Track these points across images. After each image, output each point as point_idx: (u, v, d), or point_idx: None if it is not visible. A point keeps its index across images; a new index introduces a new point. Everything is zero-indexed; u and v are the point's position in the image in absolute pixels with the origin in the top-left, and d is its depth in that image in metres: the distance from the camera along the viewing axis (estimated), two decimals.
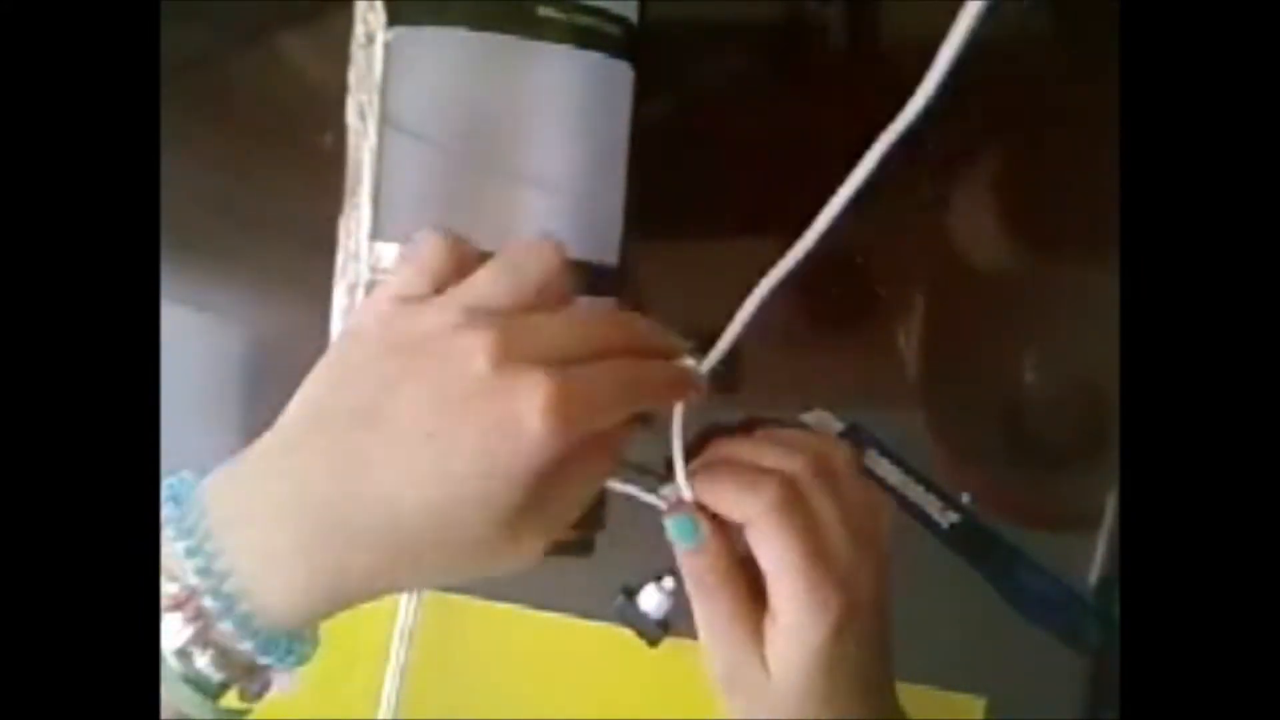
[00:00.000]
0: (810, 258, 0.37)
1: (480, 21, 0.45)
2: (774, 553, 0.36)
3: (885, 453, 0.56)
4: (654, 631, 0.57)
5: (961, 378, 0.56)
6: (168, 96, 0.33)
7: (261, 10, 0.56)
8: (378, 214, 0.48)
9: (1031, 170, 0.54)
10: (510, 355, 0.31)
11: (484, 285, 0.34)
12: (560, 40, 0.46)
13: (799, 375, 0.53)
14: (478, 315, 0.33)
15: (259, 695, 0.34)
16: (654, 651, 0.57)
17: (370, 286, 0.48)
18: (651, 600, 0.57)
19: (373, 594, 0.33)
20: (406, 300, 0.34)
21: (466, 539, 0.32)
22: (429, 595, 0.67)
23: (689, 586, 0.39)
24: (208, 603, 0.31)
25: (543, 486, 0.32)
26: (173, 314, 0.58)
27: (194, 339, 0.60)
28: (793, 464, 0.38)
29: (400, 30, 0.47)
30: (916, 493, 0.56)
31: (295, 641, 0.33)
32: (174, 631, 0.31)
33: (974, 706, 0.57)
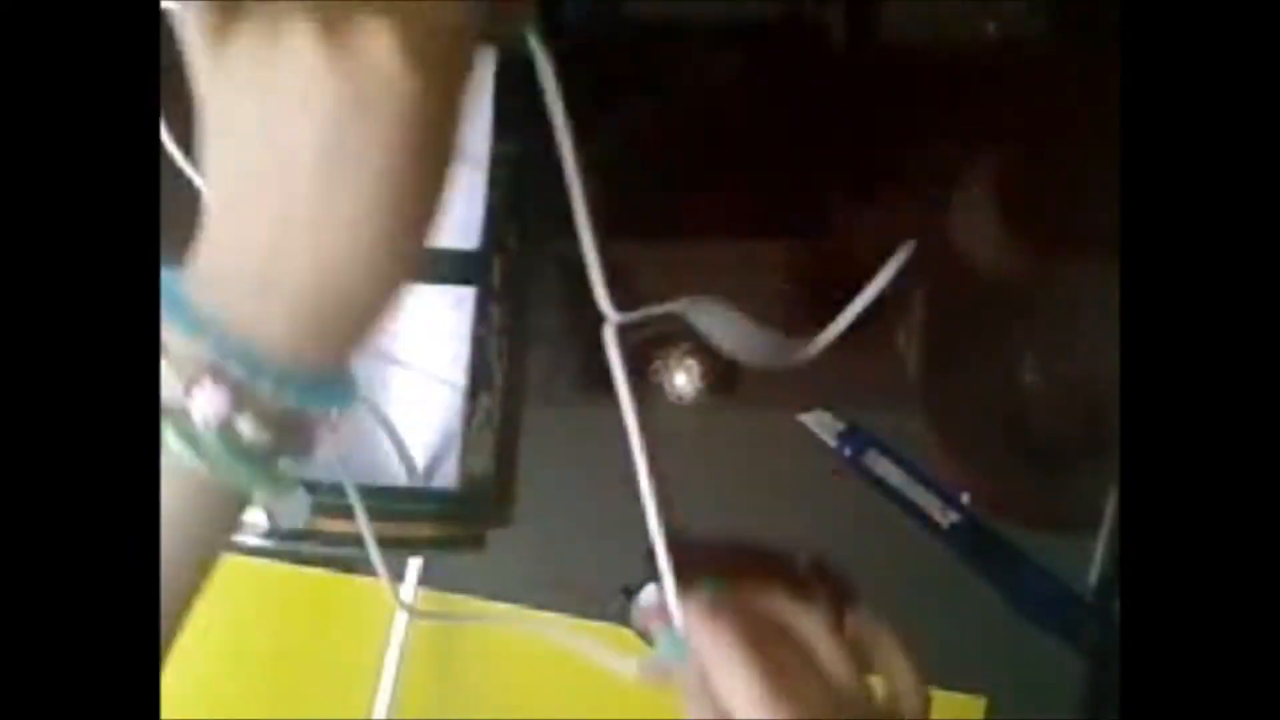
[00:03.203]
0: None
1: None
2: (728, 686, 0.36)
3: (885, 453, 0.56)
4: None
5: (961, 378, 0.56)
6: (167, 95, 0.33)
7: None
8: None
9: (1032, 172, 0.54)
10: (332, 14, 0.29)
11: None
12: None
13: (799, 375, 0.53)
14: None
15: (307, 453, 0.33)
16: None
17: None
18: (651, 600, 0.57)
19: (371, 294, 0.32)
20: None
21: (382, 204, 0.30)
22: (427, 592, 0.67)
23: (687, 699, 0.38)
24: (235, 369, 0.30)
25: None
26: None
27: None
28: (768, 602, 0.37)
29: None
30: (916, 493, 0.56)
31: (335, 384, 0.33)
32: (212, 401, 0.30)
33: (974, 706, 0.57)
